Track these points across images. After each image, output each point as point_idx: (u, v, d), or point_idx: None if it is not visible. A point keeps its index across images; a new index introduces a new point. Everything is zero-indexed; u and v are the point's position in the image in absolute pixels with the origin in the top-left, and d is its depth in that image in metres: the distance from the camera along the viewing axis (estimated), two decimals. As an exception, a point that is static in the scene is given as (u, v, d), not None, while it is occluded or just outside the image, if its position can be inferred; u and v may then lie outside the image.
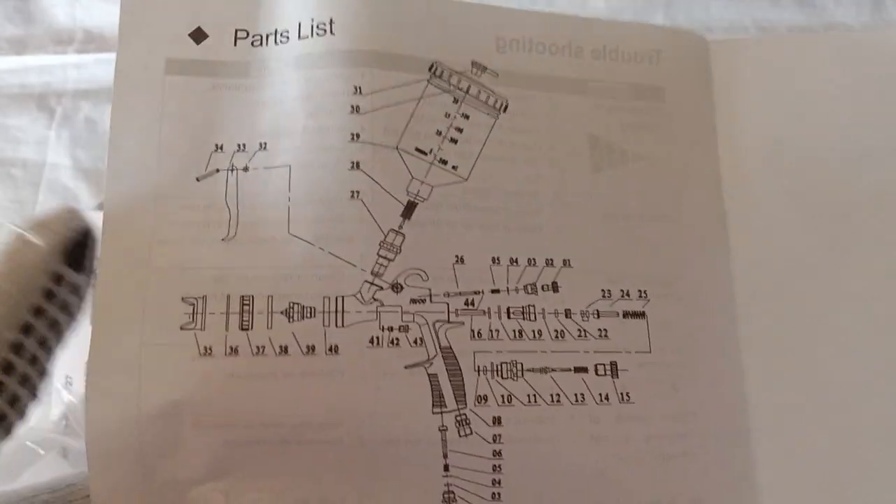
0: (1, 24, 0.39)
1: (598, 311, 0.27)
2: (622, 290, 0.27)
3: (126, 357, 0.24)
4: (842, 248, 0.29)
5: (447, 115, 0.27)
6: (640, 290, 0.27)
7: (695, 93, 0.30)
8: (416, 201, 0.26)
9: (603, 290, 0.27)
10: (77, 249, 0.24)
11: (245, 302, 0.25)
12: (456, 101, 0.27)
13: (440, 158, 0.27)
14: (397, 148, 0.26)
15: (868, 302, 0.29)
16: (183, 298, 0.25)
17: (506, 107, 0.28)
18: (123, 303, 0.25)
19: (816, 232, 0.29)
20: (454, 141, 0.27)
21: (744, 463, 0.27)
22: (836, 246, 0.29)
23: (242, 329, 0.25)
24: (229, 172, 0.26)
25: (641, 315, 0.27)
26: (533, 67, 0.29)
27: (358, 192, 0.26)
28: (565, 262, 0.27)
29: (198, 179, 0.26)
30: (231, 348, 0.25)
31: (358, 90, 0.26)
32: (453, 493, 0.25)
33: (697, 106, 0.30)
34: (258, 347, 0.25)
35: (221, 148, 0.26)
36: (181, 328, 0.25)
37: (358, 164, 0.26)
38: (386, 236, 0.26)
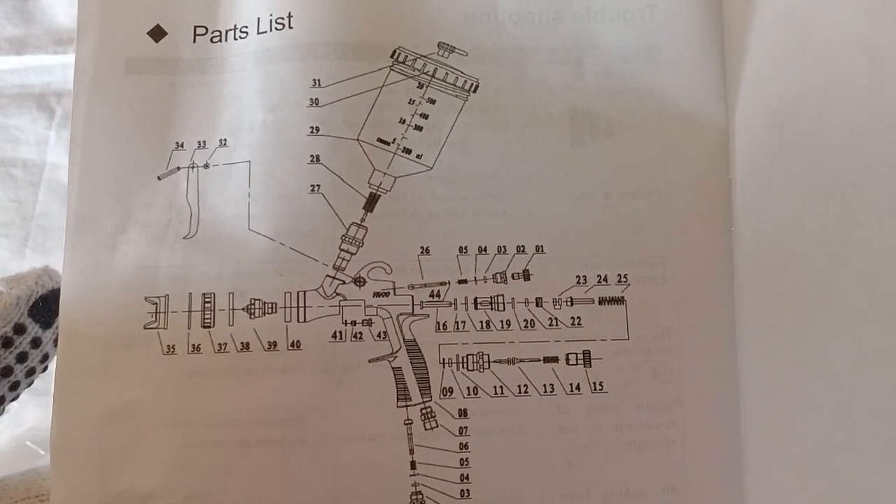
0: (1, 24, 0.39)
1: (571, 298, 0.26)
2: (599, 276, 0.26)
3: (92, 358, 0.25)
4: (852, 224, 0.28)
5: (411, 102, 0.27)
6: (619, 275, 0.26)
7: (698, 48, 0.28)
8: (379, 193, 0.26)
9: (578, 277, 0.26)
10: (48, 307, 0.26)
11: (207, 300, 0.25)
12: (421, 86, 0.27)
13: (404, 147, 0.26)
14: (358, 139, 0.26)
15: (876, 284, 0.27)
16: (146, 298, 0.25)
17: (476, 87, 0.27)
18: (89, 304, 0.25)
19: (826, 203, 0.28)
20: (419, 128, 0.26)
21: (731, 450, 0.26)
22: (847, 221, 0.28)
23: (204, 327, 0.25)
24: (190, 170, 0.26)
25: (620, 301, 0.26)
26: (507, 41, 0.27)
27: (318, 185, 0.26)
28: (538, 248, 0.26)
29: (159, 178, 0.26)
30: (193, 346, 0.25)
31: (317, 83, 0.26)
32: (421, 493, 0.25)
33: (701, 63, 0.27)
34: (220, 345, 0.25)
35: (182, 145, 0.26)
36: (145, 327, 0.25)
37: (318, 157, 0.26)
38: (348, 230, 0.26)
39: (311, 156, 0.26)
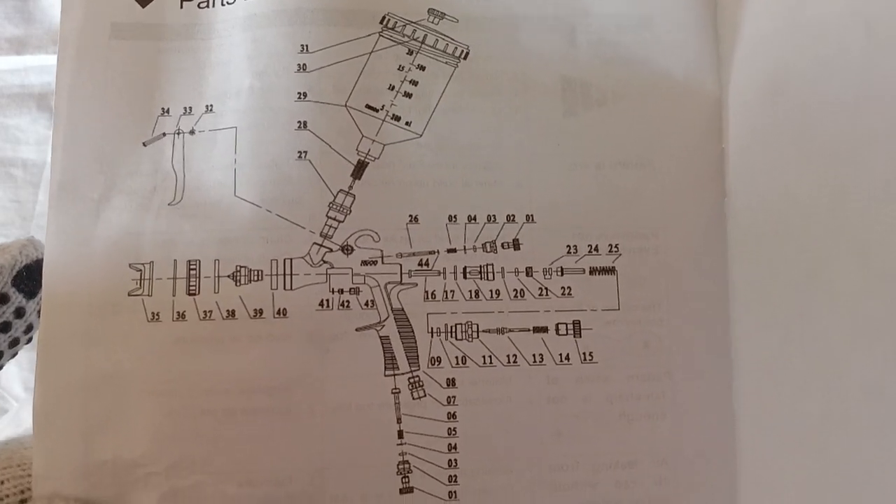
0: (1, 24, 0.39)
1: (562, 268, 0.26)
2: (590, 246, 0.26)
3: (75, 325, 0.24)
4: (846, 195, 0.27)
5: (401, 69, 0.26)
6: (610, 245, 0.26)
7: (691, 18, 0.27)
8: (367, 160, 0.26)
9: (569, 246, 0.26)
10: (32, 276, 0.25)
11: (192, 267, 0.25)
12: (410, 52, 0.26)
13: (393, 115, 0.26)
14: (346, 106, 0.26)
15: (870, 256, 0.27)
16: (130, 265, 0.25)
17: (466, 54, 0.27)
18: (72, 271, 0.25)
19: (819, 175, 0.27)
20: (408, 95, 0.26)
21: (723, 424, 0.26)
22: (840, 192, 0.27)
23: (190, 294, 0.25)
24: (175, 136, 0.26)
25: (611, 271, 0.26)
26: (498, 8, 0.27)
27: (305, 152, 0.25)
28: (528, 218, 0.26)
29: (144, 144, 0.26)
30: (178, 314, 0.24)
31: (304, 48, 0.26)
32: (408, 462, 0.25)
33: (694, 32, 0.27)
34: (205, 312, 0.25)
35: (168, 111, 0.26)
36: (129, 294, 0.25)
37: (305, 123, 0.25)
38: (335, 197, 0.25)
39: (299, 122, 0.25)
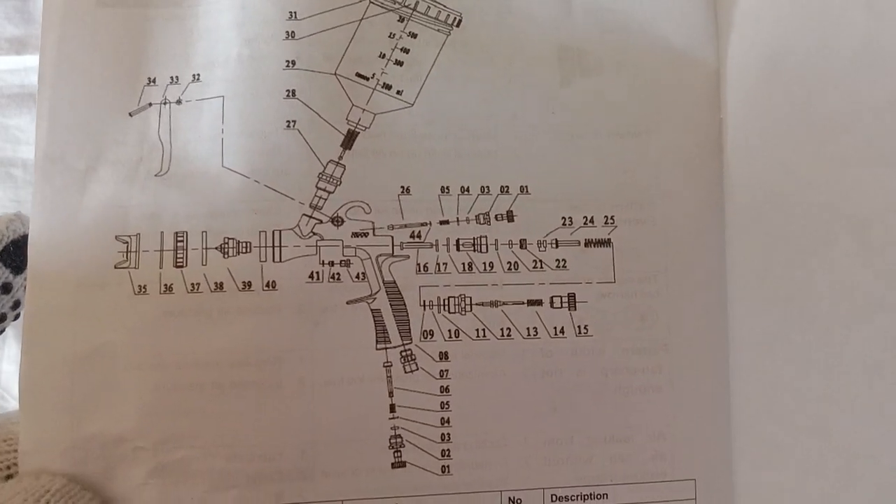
0: (1, 24, 0.38)
1: (556, 240, 0.25)
2: (585, 217, 0.26)
3: (62, 299, 0.24)
4: (845, 168, 0.27)
5: (392, 36, 0.26)
6: (606, 216, 0.26)
7: None
8: (357, 130, 0.25)
9: (563, 218, 0.25)
10: (18, 252, 0.25)
11: (179, 239, 0.24)
12: (402, 19, 0.26)
13: (383, 83, 0.25)
14: (336, 74, 0.25)
15: (869, 230, 0.26)
16: (116, 237, 0.24)
17: (459, 21, 0.26)
18: (58, 244, 0.24)
19: (818, 148, 0.27)
20: (399, 63, 0.26)
21: (719, 398, 0.26)
22: (840, 165, 0.27)
23: (177, 266, 0.24)
24: (162, 106, 0.25)
25: (606, 243, 0.26)
26: None
27: (294, 121, 0.25)
28: (522, 189, 0.25)
29: (130, 115, 0.25)
30: (166, 286, 0.24)
31: (293, 15, 0.25)
32: (400, 437, 0.24)
33: (691, 1, 0.27)
34: (193, 285, 0.24)
35: (154, 81, 0.25)
36: (115, 267, 0.24)
37: (294, 92, 0.25)
38: (325, 167, 0.25)
39: (287, 90, 0.25)
